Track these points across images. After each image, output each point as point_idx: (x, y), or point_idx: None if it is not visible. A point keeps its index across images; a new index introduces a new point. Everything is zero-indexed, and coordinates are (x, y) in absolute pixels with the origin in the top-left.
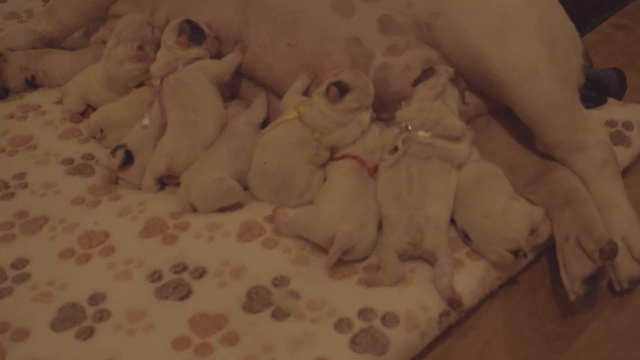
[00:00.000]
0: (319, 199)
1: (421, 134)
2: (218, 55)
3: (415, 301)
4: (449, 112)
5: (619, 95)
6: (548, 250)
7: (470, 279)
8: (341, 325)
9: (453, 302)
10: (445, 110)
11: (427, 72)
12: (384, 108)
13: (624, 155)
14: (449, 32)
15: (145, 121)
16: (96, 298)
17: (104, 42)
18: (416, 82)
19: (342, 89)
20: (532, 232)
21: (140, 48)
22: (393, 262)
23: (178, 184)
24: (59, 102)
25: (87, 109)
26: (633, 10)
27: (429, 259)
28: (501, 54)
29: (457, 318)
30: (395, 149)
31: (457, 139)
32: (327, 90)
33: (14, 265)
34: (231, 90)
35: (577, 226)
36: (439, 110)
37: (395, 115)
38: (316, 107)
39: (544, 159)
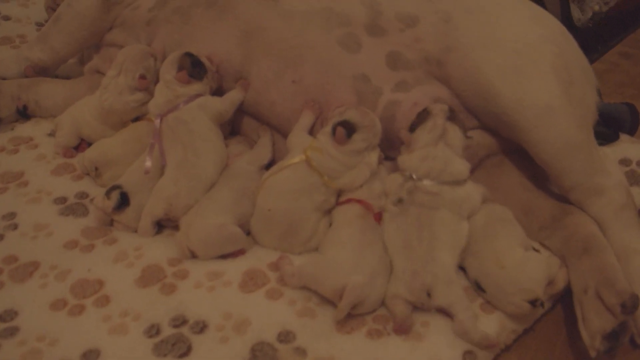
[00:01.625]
0: (326, 246)
1: (427, 182)
2: (218, 91)
3: (428, 357)
4: (453, 155)
5: (632, 131)
6: (564, 297)
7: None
8: None
9: (490, 347)
10: (449, 154)
11: (422, 115)
12: (391, 146)
13: (639, 196)
14: (460, 68)
15: (148, 164)
16: (90, 355)
17: (98, 72)
18: (413, 127)
19: (349, 129)
20: (549, 282)
21: (142, 77)
22: (400, 310)
23: (176, 227)
24: (51, 134)
25: (82, 143)
26: (638, 38)
27: (445, 312)
28: (516, 92)
29: None
30: (400, 200)
31: (464, 181)
32: (334, 130)
33: (1, 318)
34: (232, 126)
35: (596, 277)
36: (443, 155)
37: (397, 161)
38: (324, 150)
39: (559, 201)
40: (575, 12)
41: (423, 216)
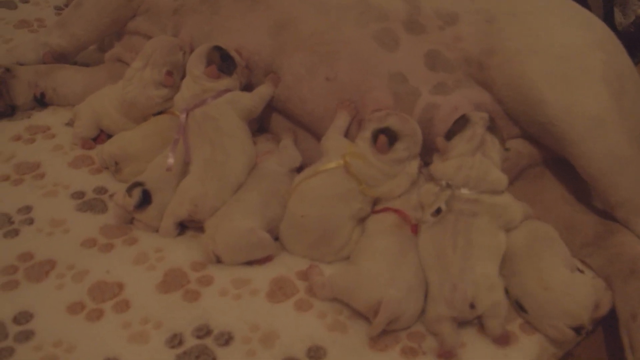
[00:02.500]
0: (359, 256)
1: (464, 192)
2: (247, 85)
3: None
4: (491, 165)
5: None
6: (606, 319)
7: (525, 358)
8: None
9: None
10: (487, 164)
11: (460, 122)
12: (427, 151)
13: None
14: (504, 72)
15: (170, 160)
16: None
17: (120, 60)
18: (450, 135)
19: (390, 137)
20: (595, 308)
21: (169, 73)
22: (448, 333)
23: (199, 228)
24: (69, 123)
25: (100, 134)
26: None
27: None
28: (565, 101)
29: None
30: (439, 211)
31: (502, 192)
32: (374, 137)
33: (16, 320)
34: (260, 122)
35: None
36: (480, 166)
37: (430, 169)
38: (364, 157)
39: (603, 217)
40: (618, 16)
41: (460, 223)
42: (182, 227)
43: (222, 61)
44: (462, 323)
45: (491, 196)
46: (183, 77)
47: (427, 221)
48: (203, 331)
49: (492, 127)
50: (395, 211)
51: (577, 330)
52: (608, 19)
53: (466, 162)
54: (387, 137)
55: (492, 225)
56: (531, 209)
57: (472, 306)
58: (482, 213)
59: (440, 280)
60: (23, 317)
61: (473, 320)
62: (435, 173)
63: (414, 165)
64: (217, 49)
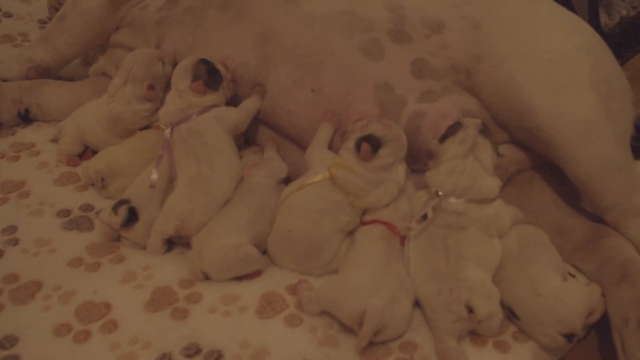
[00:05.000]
0: (345, 268)
1: (453, 200)
2: (234, 98)
3: None
4: (482, 170)
5: None
6: (598, 323)
7: None
8: None
9: None
10: (478, 169)
11: (454, 127)
12: (415, 160)
13: None
14: (491, 79)
15: (154, 177)
16: None
17: (104, 74)
18: (443, 139)
19: (374, 144)
20: (588, 314)
21: (151, 87)
22: (452, 348)
23: (188, 244)
24: (54, 140)
25: (86, 150)
26: None
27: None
28: (553, 106)
29: None
30: (424, 217)
31: (493, 199)
32: (357, 146)
33: (1, 344)
34: (245, 135)
35: (638, 307)
36: (472, 170)
37: (424, 177)
38: (349, 167)
39: (593, 221)
40: (603, 17)
41: (449, 238)
42: (170, 243)
43: (209, 75)
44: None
45: (479, 207)
46: (167, 87)
47: (413, 228)
48: (192, 350)
49: (485, 131)
50: (384, 223)
51: (569, 337)
52: (593, 20)
53: (457, 166)
54: (370, 144)
55: (483, 235)
56: (522, 213)
57: (470, 310)
58: (469, 226)
59: (438, 290)
60: (8, 341)
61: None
62: (427, 180)
63: (400, 170)
64: (204, 62)
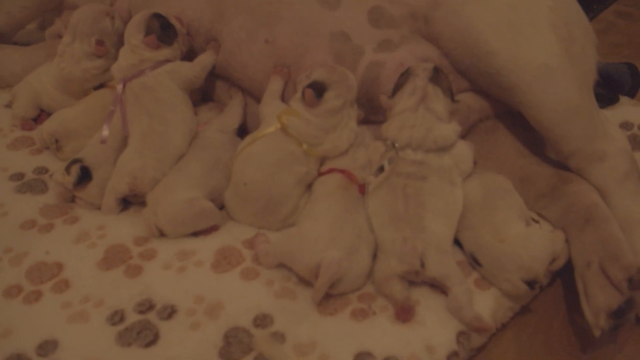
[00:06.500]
0: (303, 219)
1: (409, 152)
2: (189, 52)
3: (419, 341)
4: (435, 120)
5: (632, 93)
6: (563, 271)
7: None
8: None
9: (482, 330)
10: (431, 120)
11: (404, 76)
12: (375, 111)
13: None
14: (450, 25)
15: (105, 133)
16: (46, 347)
17: (60, 37)
18: (395, 91)
19: (318, 89)
20: (552, 260)
21: (99, 42)
22: (398, 290)
23: (144, 203)
24: (8, 105)
25: (41, 114)
26: None
27: (438, 286)
28: (512, 51)
29: (467, 358)
30: (381, 169)
31: (451, 145)
32: (303, 94)
33: None
34: (203, 92)
35: (600, 250)
36: (423, 122)
37: (381, 129)
38: (296, 113)
39: (557, 168)
40: None
41: (409, 188)
42: (127, 203)
43: (162, 30)
44: (414, 283)
45: (439, 155)
46: (118, 44)
47: (370, 181)
48: (145, 306)
49: (436, 78)
50: (341, 171)
51: (531, 284)
52: None
53: (408, 119)
54: (314, 90)
55: (445, 186)
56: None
57: (422, 264)
58: (431, 175)
59: (393, 237)
60: None
61: (420, 280)
62: (383, 133)
63: (352, 114)
64: (157, 16)
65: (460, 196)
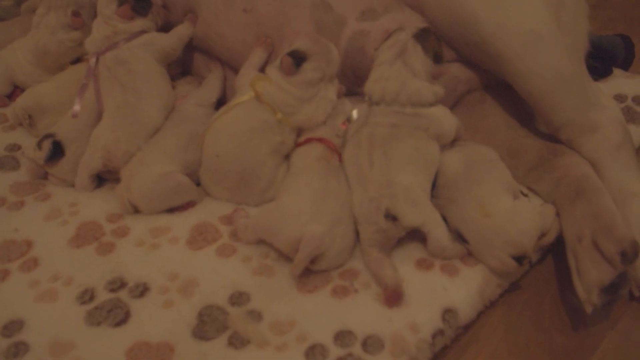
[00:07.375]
0: (283, 194)
1: (383, 107)
2: (165, 27)
3: (402, 320)
4: (411, 75)
5: (626, 65)
6: (554, 247)
7: (467, 290)
8: (314, 353)
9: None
10: (406, 75)
11: (393, 33)
12: (361, 82)
13: (634, 134)
14: None
15: (76, 107)
16: (12, 327)
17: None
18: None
19: (297, 58)
20: (541, 235)
21: (75, 14)
22: (375, 260)
23: (118, 180)
24: None
25: (15, 90)
26: None
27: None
28: (498, 18)
29: (453, 337)
30: (348, 119)
31: (430, 105)
32: (282, 62)
33: None
34: (182, 66)
35: (592, 223)
36: (398, 75)
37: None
38: (274, 82)
39: (547, 141)
40: None
41: (376, 137)
42: (101, 180)
43: (136, 0)
44: (400, 259)
45: (415, 111)
46: (95, 16)
47: (340, 130)
48: (117, 284)
49: (421, 35)
50: (320, 140)
51: (520, 260)
52: None
53: (384, 72)
54: (293, 58)
55: (415, 135)
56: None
57: (393, 218)
58: (402, 124)
59: (361, 200)
60: None
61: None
62: (364, 89)
63: (331, 88)
64: None
65: (436, 149)
